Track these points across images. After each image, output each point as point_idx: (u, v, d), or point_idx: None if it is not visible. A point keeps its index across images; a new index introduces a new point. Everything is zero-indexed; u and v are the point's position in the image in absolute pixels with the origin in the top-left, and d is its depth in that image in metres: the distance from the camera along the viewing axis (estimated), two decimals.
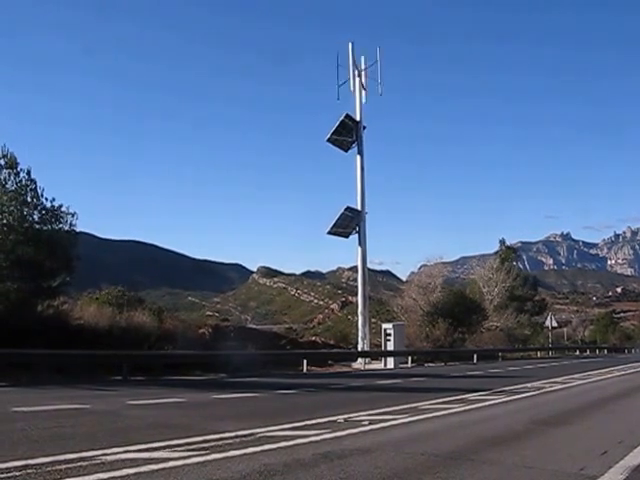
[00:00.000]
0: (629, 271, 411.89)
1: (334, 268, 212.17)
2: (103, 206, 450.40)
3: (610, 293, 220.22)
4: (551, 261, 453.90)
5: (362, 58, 38.39)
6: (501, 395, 15.64)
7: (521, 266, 75.43)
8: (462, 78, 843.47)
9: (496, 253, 69.32)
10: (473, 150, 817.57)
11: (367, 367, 31.43)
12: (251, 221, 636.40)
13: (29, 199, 22.52)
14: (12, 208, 22.06)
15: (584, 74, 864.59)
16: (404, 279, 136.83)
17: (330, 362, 31.76)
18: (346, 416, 10.60)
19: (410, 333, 41.57)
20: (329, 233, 36.70)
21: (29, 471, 5.96)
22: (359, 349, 35.13)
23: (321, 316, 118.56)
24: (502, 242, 69.25)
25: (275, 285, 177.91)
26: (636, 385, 21.10)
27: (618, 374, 26.08)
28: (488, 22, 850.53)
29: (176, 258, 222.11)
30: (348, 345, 40.58)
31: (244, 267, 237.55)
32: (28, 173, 22.55)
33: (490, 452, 7.81)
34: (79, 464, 6.32)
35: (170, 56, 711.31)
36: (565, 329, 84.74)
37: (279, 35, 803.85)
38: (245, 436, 8.32)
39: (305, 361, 27.19)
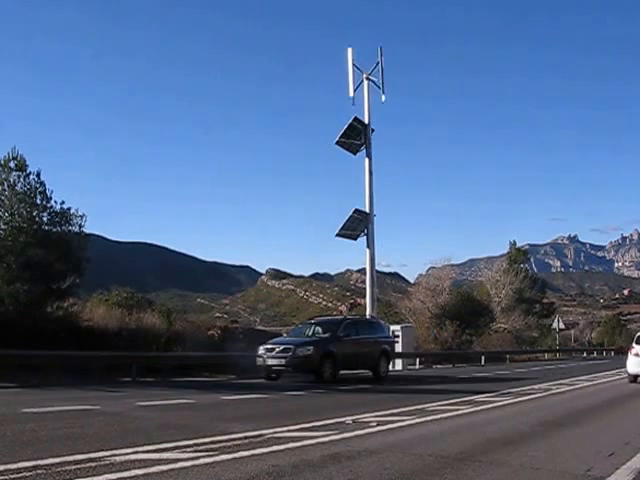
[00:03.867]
0: (636, 273, 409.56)
1: (342, 270, 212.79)
2: (113, 208, 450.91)
3: (617, 295, 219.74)
4: (558, 263, 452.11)
5: (379, 60, 38.33)
6: (509, 397, 15.65)
7: (529, 268, 75.01)
8: (469, 81, 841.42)
9: (505, 255, 69.13)
10: (480, 153, 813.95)
11: None
12: (260, 223, 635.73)
13: (38, 201, 22.65)
14: (22, 210, 22.20)
15: (589, 77, 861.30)
16: (411, 281, 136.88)
17: None
18: (354, 417, 10.62)
19: (418, 335, 41.62)
20: (338, 235, 36.69)
21: (39, 472, 6.00)
22: None
23: None
24: (512, 243, 69.03)
25: (284, 287, 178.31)
26: None
27: (625, 376, 25.99)
28: (494, 25, 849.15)
29: (185, 260, 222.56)
30: None
31: (253, 269, 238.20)
32: (37, 175, 22.70)
33: (497, 453, 7.83)
34: (88, 465, 6.36)
35: (179, 59, 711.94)
36: (572, 331, 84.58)
37: (288, 37, 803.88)
38: (254, 437, 8.35)
39: None
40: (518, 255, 67.07)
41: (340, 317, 30.21)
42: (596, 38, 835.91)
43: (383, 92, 37.94)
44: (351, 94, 37.29)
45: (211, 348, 26.76)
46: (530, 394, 16.75)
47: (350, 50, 37.75)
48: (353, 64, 37.53)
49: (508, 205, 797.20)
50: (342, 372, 21.48)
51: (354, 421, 10.26)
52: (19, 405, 11.73)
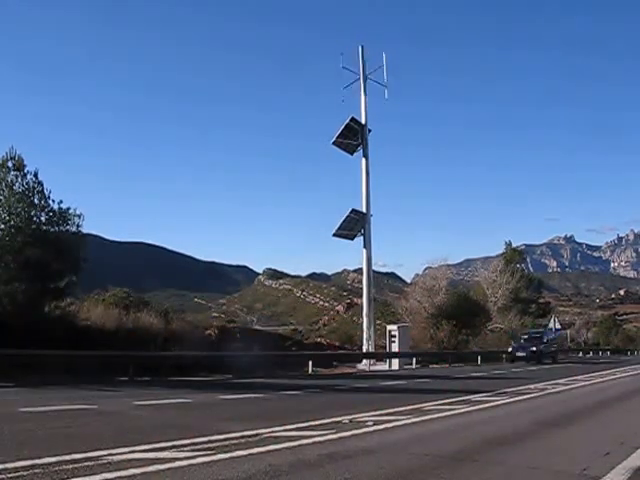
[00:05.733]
0: (632, 274, 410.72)
1: (339, 270, 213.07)
2: (112, 208, 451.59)
3: (613, 295, 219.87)
4: (555, 264, 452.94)
5: (382, 60, 38.65)
6: (505, 396, 15.67)
7: (525, 269, 74.98)
8: (466, 82, 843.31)
9: (501, 255, 69.08)
10: (477, 153, 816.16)
11: (372, 368, 31.47)
12: (257, 223, 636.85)
13: (36, 201, 22.63)
14: (19, 210, 22.18)
15: (586, 78, 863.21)
16: (408, 281, 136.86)
17: (335, 363, 31.81)
18: (351, 417, 10.65)
19: (414, 335, 41.66)
20: (335, 235, 36.81)
21: (36, 471, 6.01)
22: (364, 350, 35.17)
23: (326, 318, 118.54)
24: (508, 244, 68.99)
25: (281, 287, 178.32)
26: (638, 387, 21.10)
27: (620, 376, 26.08)
28: (492, 28, 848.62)
29: (183, 260, 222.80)
30: (353, 346, 40.67)
31: (250, 269, 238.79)
32: (35, 175, 22.69)
33: (494, 453, 7.85)
34: (86, 464, 6.37)
35: (177, 60, 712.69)
36: (568, 331, 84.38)
37: (286, 38, 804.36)
38: (250, 436, 8.36)
39: (310, 362, 27.23)
40: (514, 255, 67.07)
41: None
42: (596, 39, 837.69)
43: (386, 95, 38.59)
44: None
45: (208, 348, 26.78)
46: (526, 394, 16.77)
47: (360, 49, 38.50)
48: (363, 64, 38.12)
49: (505, 205, 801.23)
50: (337, 371, 21.53)
51: (351, 420, 10.28)
52: (16, 404, 11.74)
